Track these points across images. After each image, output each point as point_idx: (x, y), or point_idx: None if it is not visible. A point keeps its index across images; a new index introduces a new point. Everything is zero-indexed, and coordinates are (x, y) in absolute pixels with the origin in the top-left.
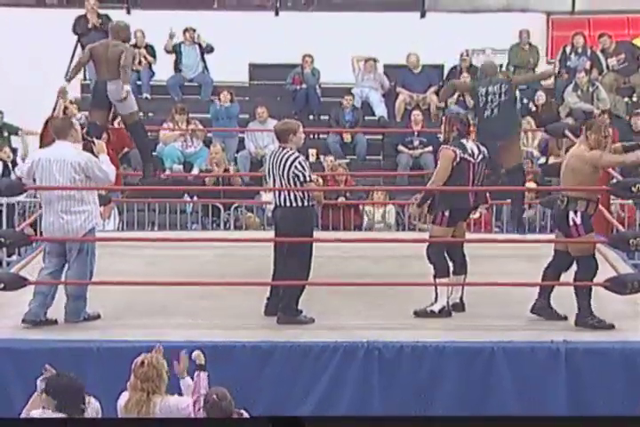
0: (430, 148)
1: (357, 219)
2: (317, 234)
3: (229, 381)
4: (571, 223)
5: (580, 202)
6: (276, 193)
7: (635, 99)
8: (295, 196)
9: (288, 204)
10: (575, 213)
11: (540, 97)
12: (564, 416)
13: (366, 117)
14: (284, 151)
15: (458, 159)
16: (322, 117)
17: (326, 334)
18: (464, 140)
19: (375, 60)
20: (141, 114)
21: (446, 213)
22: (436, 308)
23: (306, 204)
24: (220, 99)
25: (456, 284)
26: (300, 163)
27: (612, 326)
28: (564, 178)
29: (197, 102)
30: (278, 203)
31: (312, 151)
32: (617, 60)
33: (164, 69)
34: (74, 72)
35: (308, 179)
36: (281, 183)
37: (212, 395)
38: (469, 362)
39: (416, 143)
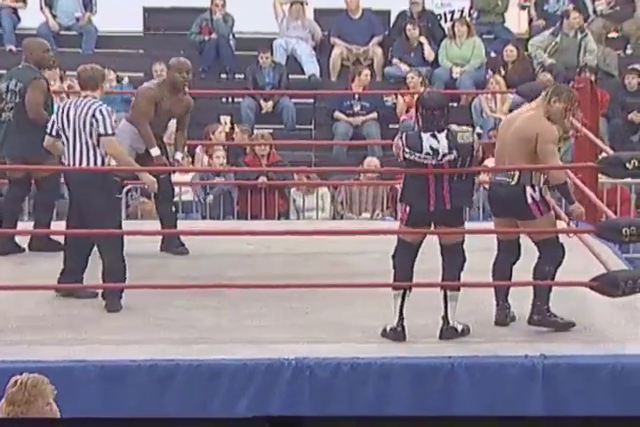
0: (375, 114)
1: (283, 204)
2: (232, 223)
3: (122, 410)
4: (529, 201)
5: (536, 175)
6: (71, 154)
7: (629, 51)
8: (96, 155)
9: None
10: (533, 187)
11: (511, 51)
12: (562, 416)
13: (293, 76)
14: (86, 100)
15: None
16: (237, 76)
17: (242, 350)
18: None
19: (303, 3)
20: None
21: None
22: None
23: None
24: None
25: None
26: (104, 111)
27: (571, 325)
28: (511, 148)
29: (76, 56)
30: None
31: (225, 119)
32: (607, 2)
33: (33, 14)
34: None
35: (109, 131)
36: (77, 143)
37: None
38: (423, 382)
39: (357, 109)
